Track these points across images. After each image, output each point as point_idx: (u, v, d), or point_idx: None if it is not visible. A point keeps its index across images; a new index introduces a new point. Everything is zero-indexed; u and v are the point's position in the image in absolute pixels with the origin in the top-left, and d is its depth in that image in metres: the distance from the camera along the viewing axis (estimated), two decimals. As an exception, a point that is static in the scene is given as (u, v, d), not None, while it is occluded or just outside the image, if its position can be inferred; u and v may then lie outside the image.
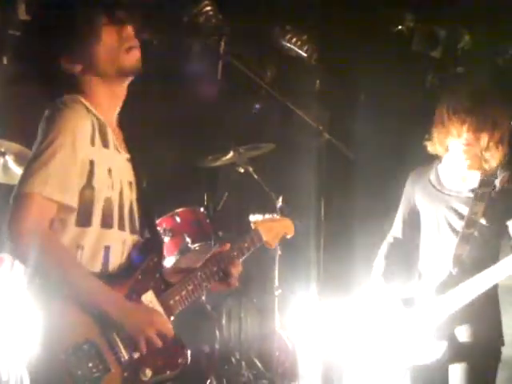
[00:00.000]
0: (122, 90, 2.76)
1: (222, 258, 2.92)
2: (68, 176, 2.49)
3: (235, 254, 2.97)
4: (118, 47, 2.64)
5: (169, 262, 5.22)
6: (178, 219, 5.40)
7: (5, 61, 6.21)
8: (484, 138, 3.63)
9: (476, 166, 3.74)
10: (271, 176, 5.76)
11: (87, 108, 2.63)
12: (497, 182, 3.71)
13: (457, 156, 3.75)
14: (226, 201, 5.86)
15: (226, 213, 5.82)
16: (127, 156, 2.77)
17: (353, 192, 4.48)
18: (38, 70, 2.71)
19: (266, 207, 4.72)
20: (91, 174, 2.57)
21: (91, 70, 2.66)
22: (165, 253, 5.15)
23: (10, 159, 4.93)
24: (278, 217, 3.31)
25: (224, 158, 5.62)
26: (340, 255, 5.45)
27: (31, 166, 2.48)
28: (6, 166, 4.95)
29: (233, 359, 5.47)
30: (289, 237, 3.30)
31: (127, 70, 2.67)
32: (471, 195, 3.71)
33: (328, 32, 6.14)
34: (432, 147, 3.86)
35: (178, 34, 5.86)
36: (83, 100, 2.64)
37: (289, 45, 6.15)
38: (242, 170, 5.63)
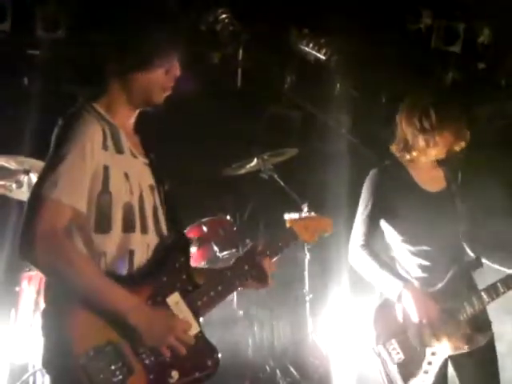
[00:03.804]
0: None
1: (254, 257, 2.86)
2: (76, 180, 2.48)
3: (268, 252, 2.90)
4: (158, 86, 2.69)
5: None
6: (204, 228, 5.38)
7: (26, 82, 6.25)
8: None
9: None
10: (296, 181, 5.73)
11: (100, 115, 2.64)
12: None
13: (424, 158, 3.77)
14: (252, 208, 5.84)
15: (252, 221, 5.79)
16: (145, 160, 2.76)
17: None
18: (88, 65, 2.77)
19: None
20: (106, 179, 2.56)
21: (123, 85, 2.69)
22: (192, 261, 5.16)
23: (34, 177, 4.93)
24: (315, 215, 3.13)
25: (248, 166, 5.61)
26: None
27: (42, 172, 2.52)
28: (30, 184, 4.95)
29: (267, 367, 5.41)
30: (327, 235, 3.14)
31: (151, 104, 2.74)
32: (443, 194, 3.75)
33: (346, 34, 6.10)
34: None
35: (196, 44, 5.86)
36: (97, 106, 2.66)
37: (307, 49, 6.13)
38: (267, 177, 5.61)
